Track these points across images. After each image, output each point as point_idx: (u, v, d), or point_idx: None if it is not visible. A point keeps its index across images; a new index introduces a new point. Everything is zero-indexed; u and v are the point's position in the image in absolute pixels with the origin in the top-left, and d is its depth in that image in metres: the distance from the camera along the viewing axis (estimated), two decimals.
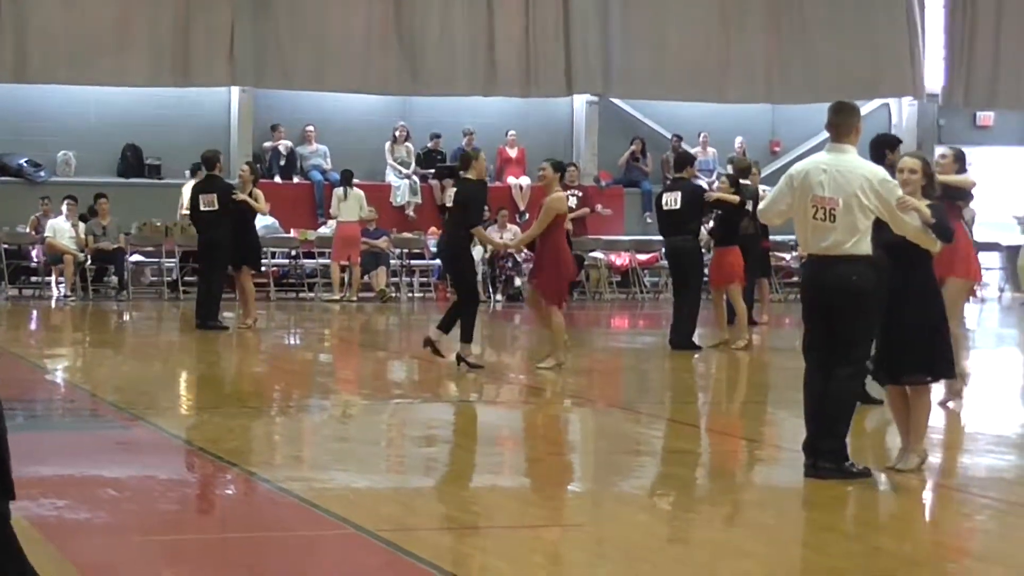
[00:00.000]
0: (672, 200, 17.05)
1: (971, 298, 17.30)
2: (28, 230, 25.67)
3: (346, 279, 25.75)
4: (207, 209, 19.01)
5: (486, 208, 24.97)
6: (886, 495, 8.78)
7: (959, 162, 12.00)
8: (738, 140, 29.34)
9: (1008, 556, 7.35)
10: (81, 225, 24.96)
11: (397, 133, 27.86)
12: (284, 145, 27.56)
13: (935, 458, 9.59)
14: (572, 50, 28.65)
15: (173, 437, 10.48)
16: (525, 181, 28.08)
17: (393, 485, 8.96)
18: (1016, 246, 26.65)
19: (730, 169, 26.69)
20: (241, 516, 8.22)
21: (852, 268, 8.76)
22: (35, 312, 23.29)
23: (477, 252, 24.48)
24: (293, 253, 26.75)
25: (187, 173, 25.21)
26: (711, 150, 29.13)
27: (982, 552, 7.51)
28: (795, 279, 24.97)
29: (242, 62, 27.08)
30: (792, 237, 17.66)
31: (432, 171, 27.81)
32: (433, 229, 26.90)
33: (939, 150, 15.89)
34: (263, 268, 22.84)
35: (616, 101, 29.57)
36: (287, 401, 13.32)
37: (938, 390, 11.39)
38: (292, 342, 20.17)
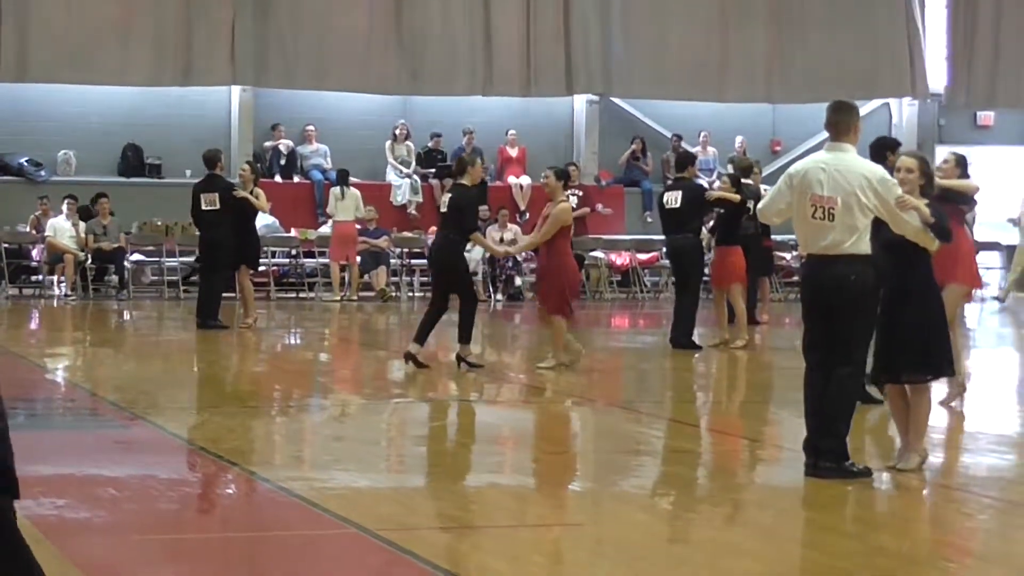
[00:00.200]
0: (673, 199, 17.06)
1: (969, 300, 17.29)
2: (28, 229, 25.67)
3: (346, 278, 25.75)
4: (208, 208, 19.01)
5: (487, 208, 25.10)
6: (886, 494, 8.78)
7: (961, 167, 11.99)
8: (738, 139, 29.34)
9: (1008, 555, 7.36)
10: (82, 224, 24.96)
11: (397, 132, 27.87)
12: (284, 144, 27.57)
13: (935, 457, 9.59)
14: (572, 50, 28.65)
15: (173, 436, 10.48)
16: (525, 181, 28.09)
17: (393, 484, 8.97)
18: (1015, 246, 26.67)
19: (731, 169, 26.72)
20: (241, 515, 8.22)
21: (851, 267, 8.76)
22: (35, 311, 23.29)
23: (477, 252, 24.53)
24: (293, 252, 26.75)
25: (187, 172, 25.21)
26: (711, 150, 29.14)
27: (982, 551, 7.51)
28: (795, 278, 24.96)
29: (243, 61, 27.08)
30: (792, 237, 17.67)
31: (432, 170, 27.81)
32: (434, 229, 26.82)
33: (940, 154, 15.90)
34: (262, 267, 22.83)
35: (616, 100, 29.57)
36: (287, 400, 13.32)
37: (939, 390, 11.39)
38: (292, 342, 20.17)
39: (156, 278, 26.24)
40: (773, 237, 21.35)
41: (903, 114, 30.91)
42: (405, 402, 13.10)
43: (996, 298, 26.56)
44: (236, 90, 27.53)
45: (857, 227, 8.77)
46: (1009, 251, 27.39)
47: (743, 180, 18.44)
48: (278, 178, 27.22)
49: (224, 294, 19.56)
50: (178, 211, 23.69)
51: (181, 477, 9.17)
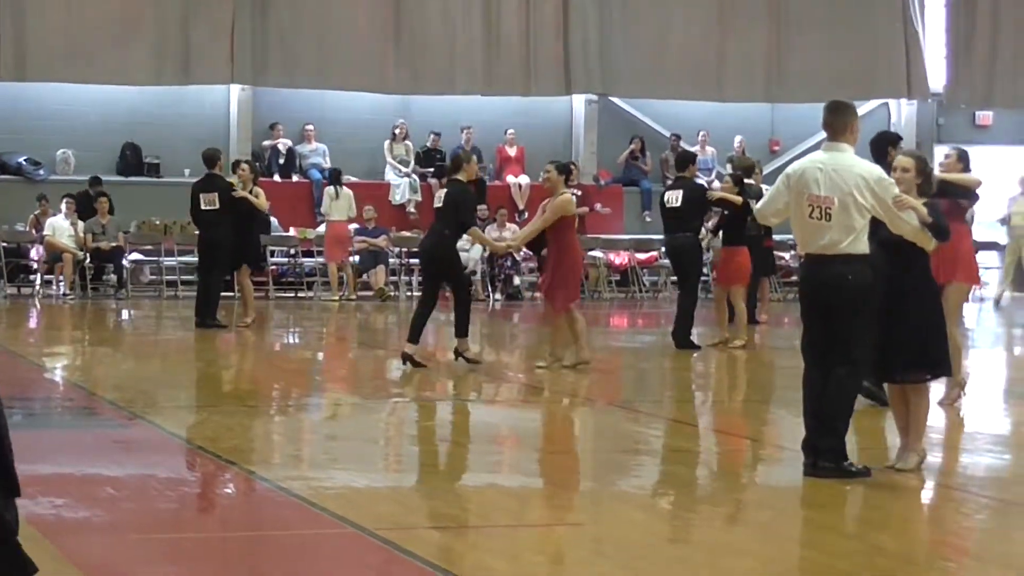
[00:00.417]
0: (674, 198, 17.06)
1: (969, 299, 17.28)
2: (27, 229, 25.66)
3: (344, 278, 25.76)
4: (208, 208, 19.01)
5: (485, 207, 25.10)
6: (885, 494, 8.77)
7: (963, 162, 11.97)
8: (737, 139, 29.35)
9: (1007, 555, 7.36)
10: (80, 224, 24.96)
11: (397, 131, 27.87)
12: (283, 144, 27.56)
13: (934, 457, 9.59)
14: (571, 49, 28.66)
15: (172, 436, 10.48)
16: (524, 180, 28.09)
17: (391, 484, 8.96)
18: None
19: (729, 168, 26.70)
20: (240, 515, 8.22)
21: (848, 267, 8.76)
22: (34, 311, 23.29)
23: (476, 251, 24.53)
24: (292, 252, 26.75)
25: (186, 171, 25.21)
26: (710, 149, 29.14)
27: (981, 551, 7.51)
28: (794, 278, 24.97)
29: (242, 60, 27.08)
30: (791, 236, 17.69)
31: (431, 170, 27.80)
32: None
33: (942, 149, 15.90)
34: (263, 267, 22.86)
35: (615, 100, 29.58)
36: (286, 400, 13.32)
37: (938, 390, 11.39)
38: (291, 341, 20.17)
39: (155, 277, 26.24)
40: (773, 237, 21.33)
41: (902, 114, 30.92)
42: (403, 401, 13.09)
43: (995, 300, 26.54)
44: (235, 89, 27.53)
45: (854, 227, 8.76)
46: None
47: (746, 180, 18.45)
48: (276, 177, 27.21)
49: (223, 293, 19.57)
50: (177, 210, 23.70)
51: (180, 476, 9.16)
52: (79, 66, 26.42)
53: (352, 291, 25.41)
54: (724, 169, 28.56)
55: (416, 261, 26.54)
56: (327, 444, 10.59)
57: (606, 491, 8.86)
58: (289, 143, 27.65)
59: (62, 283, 24.72)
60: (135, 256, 26.01)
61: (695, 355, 16.68)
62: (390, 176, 27.85)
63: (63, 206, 24.94)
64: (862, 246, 8.81)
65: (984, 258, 24.05)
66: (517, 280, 26.25)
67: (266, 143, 27.60)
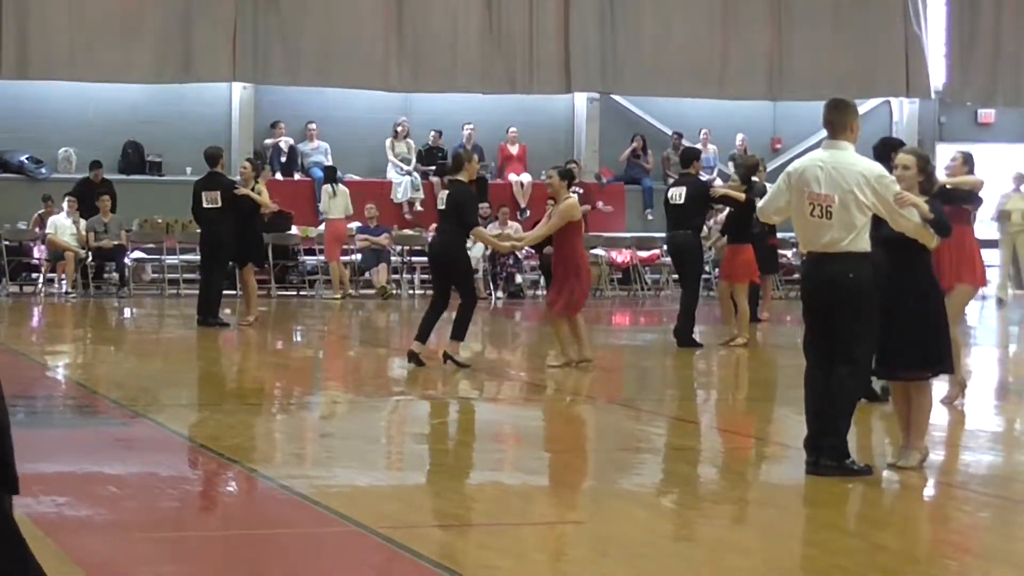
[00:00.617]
0: (677, 195, 17.06)
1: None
2: (30, 227, 25.65)
3: (348, 275, 25.78)
4: (210, 206, 19.02)
5: (487, 205, 25.09)
6: (887, 492, 8.78)
7: (968, 165, 11.94)
8: (739, 137, 29.35)
9: (1009, 553, 7.36)
10: (82, 222, 24.97)
11: (398, 129, 27.87)
12: (285, 142, 27.56)
13: (936, 455, 9.59)
14: (573, 47, 28.66)
15: (174, 434, 10.49)
16: (526, 178, 28.09)
17: (394, 482, 8.97)
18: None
19: (731, 166, 26.65)
20: (242, 513, 8.22)
21: (849, 265, 8.76)
22: (36, 309, 23.29)
23: (478, 249, 24.52)
24: (294, 250, 26.73)
25: (188, 169, 25.21)
26: (712, 147, 29.14)
27: (983, 549, 7.51)
28: (796, 276, 24.96)
29: (244, 58, 27.08)
30: (793, 234, 17.68)
31: (433, 168, 27.81)
32: (434, 226, 26.86)
33: (944, 148, 15.87)
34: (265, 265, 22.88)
35: (617, 98, 29.58)
36: (288, 398, 13.33)
37: (940, 389, 11.38)
38: (293, 339, 20.17)
39: (157, 276, 26.25)
40: (777, 235, 21.33)
41: (904, 112, 30.91)
42: (406, 400, 13.10)
43: (996, 299, 26.52)
44: (237, 87, 27.53)
45: (855, 225, 8.76)
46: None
47: (752, 178, 18.46)
48: (278, 175, 27.21)
49: (225, 292, 19.58)
50: (179, 208, 23.71)
51: (182, 475, 9.17)
52: (81, 64, 26.42)
53: (347, 288, 25.38)
54: (726, 167, 28.61)
55: (417, 259, 26.66)
56: (329, 442, 10.60)
57: (608, 489, 8.86)
58: (291, 141, 27.66)
59: (64, 281, 24.73)
60: (137, 254, 26.01)
61: (697, 353, 16.67)
62: (392, 174, 27.86)
63: (65, 204, 24.95)
64: (863, 244, 8.80)
65: (987, 256, 24.02)
66: (519, 278, 26.25)
67: (268, 141, 27.60)
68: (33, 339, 18.92)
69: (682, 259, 17.45)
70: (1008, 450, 10.88)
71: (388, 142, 27.86)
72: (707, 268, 23.59)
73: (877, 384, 11.37)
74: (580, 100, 29.44)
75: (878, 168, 9.00)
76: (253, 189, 19.26)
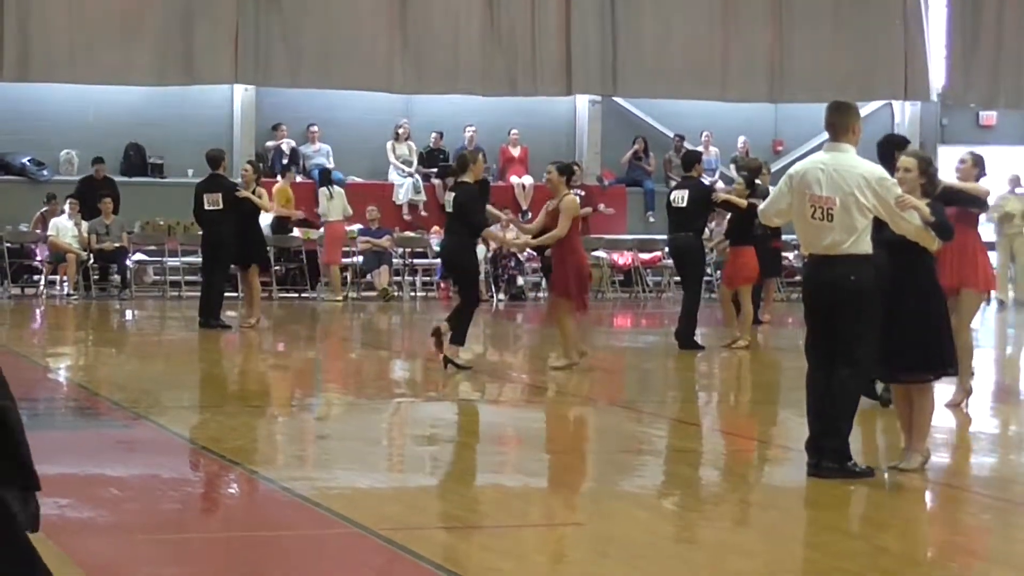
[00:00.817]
0: (679, 198, 17.07)
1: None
2: (31, 227, 25.63)
3: (349, 277, 25.77)
4: (211, 208, 19.03)
5: (490, 206, 25.08)
6: (889, 494, 8.78)
7: (979, 167, 11.88)
8: (741, 139, 29.36)
9: (1011, 555, 7.36)
10: (84, 224, 24.98)
11: (399, 131, 27.87)
12: (287, 144, 27.56)
13: (938, 457, 9.59)
14: (574, 49, 28.66)
15: (176, 436, 10.49)
16: (528, 180, 28.10)
17: (395, 484, 8.97)
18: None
19: (733, 169, 26.64)
20: (244, 515, 8.22)
21: (851, 268, 8.77)
22: (38, 311, 23.30)
23: (480, 251, 24.52)
24: (296, 252, 26.72)
25: (190, 172, 25.22)
26: (714, 149, 29.13)
27: (985, 551, 7.51)
28: (797, 278, 24.96)
29: (246, 60, 27.08)
30: (795, 237, 17.68)
31: (435, 170, 27.81)
32: (436, 228, 26.90)
33: (943, 154, 15.83)
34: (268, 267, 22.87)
35: (618, 100, 29.58)
36: (289, 400, 13.33)
37: (945, 392, 11.38)
38: (294, 341, 20.16)
39: (158, 278, 26.25)
40: (782, 238, 21.29)
41: (905, 114, 30.91)
42: (407, 402, 13.10)
43: (999, 301, 26.53)
44: (238, 89, 27.53)
45: (856, 227, 8.76)
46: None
47: (756, 181, 18.47)
48: (280, 178, 27.19)
49: (228, 294, 19.58)
50: (180, 210, 23.70)
51: (183, 477, 9.18)
52: (82, 67, 26.42)
53: (337, 292, 25.33)
54: (728, 170, 28.62)
55: (419, 261, 26.68)
56: (331, 444, 10.60)
57: (609, 491, 8.86)
58: (292, 143, 27.65)
59: (66, 283, 24.73)
60: (139, 256, 26.01)
61: (698, 355, 16.67)
62: (393, 176, 27.86)
63: (66, 206, 24.95)
64: (865, 246, 8.81)
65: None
66: (521, 280, 26.25)
67: (269, 143, 27.60)
68: (35, 341, 18.92)
69: (684, 261, 17.46)
70: (1009, 452, 10.88)
71: (389, 144, 27.86)
72: (709, 270, 23.59)
73: (878, 387, 11.37)
74: (581, 102, 29.45)
75: (879, 170, 9.01)
76: (254, 192, 19.27)
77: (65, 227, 24.79)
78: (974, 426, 11.78)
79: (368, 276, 26.11)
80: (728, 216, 18.05)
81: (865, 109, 28.52)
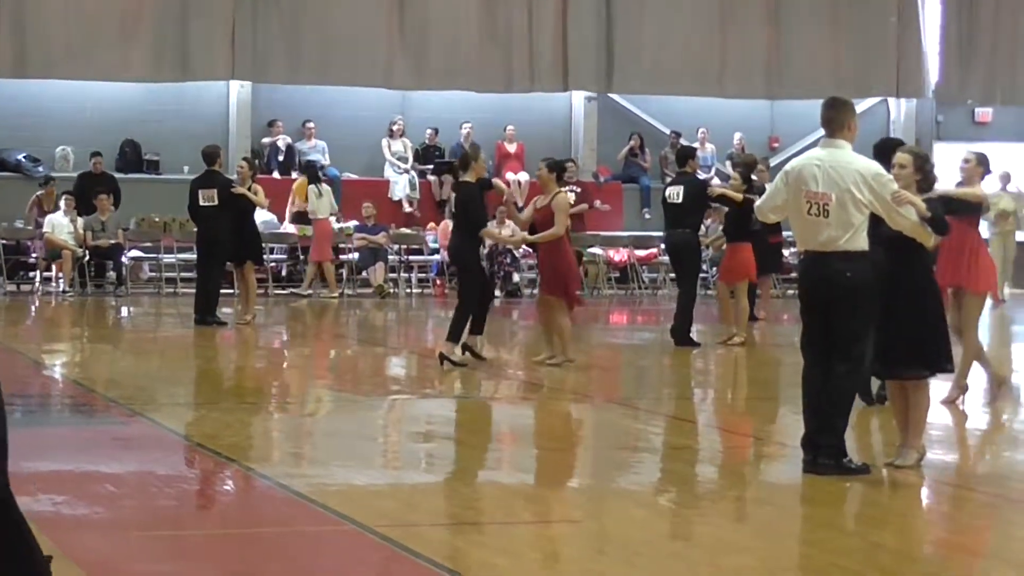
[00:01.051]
0: (675, 194, 17.06)
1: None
2: (28, 211, 25.55)
3: (345, 274, 25.76)
4: (207, 204, 19.02)
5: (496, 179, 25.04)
6: (884, 491, 8.78)
7: (983, 166, 11.84)
8: (737, 136, 29.35)
9: (1007, 552, 7.36)
10: (80, 220, 24.96)
11: (394, 128, 27.84)
12: (283, 140, 27.54)
13: (933, 454, 9.59)
14: (571, 45, 28.65)
15: (171, 433, 10.48)
16: (524, 177, 28.07)
17: (392, 481, 8.96)
18: (1020, 242, 26.65)
19: (729, 165, 26.62)
20: (240, 512, 8.22)
21: (847, 264, 8.77)
22: (33, 307, 23.28)
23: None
24: (292, 249, 26.71)
25: (185, 168, 25.18)
26: (710, 146, 29.13)
27: (981, 548, 7.51)
28: (793, 275, 24.97)
29: (243, 56, 27.05)
30: (790, 233, 17.70)
31: (430, 166, 27.80)
32: (432, 225, 26.91)
33: (938, 149, 15.81)
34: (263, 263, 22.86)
35: (614, 96, 29.57)
36: (286, 397, 13.33)
37: (940, 389, 11.38)
38: (290, 338, 20.16)
39: (154, 274, 26.23)
40: (783, 234, 21.26)
41: (901, 110, 30.90)
42: (403, 398, 13.10)
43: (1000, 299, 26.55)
44: (234, 85, 27.50)
45: (852, 223, 8.76)
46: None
47: (752, 177, 18.47)
48: (276, 174, 27.19)
49: (223, 290, 19.57)
50: (176, 207, 23.67)
51: (179, 473, 9.17)
52: (78, 63, 26.39)
53: (308, 284, 25.28)
54: (724, 166, 28.61)
55: (415, 258, 26.67)
56: (327, 441, 10.60)
57: (605, 488, 8.87)
58: (288, 140, 27.63)
59: (61, 280, 24.71)
60: (134, 253, 25.99)
61: (694, 352, 16.67)
62: (389, 173, 27.84)
63: (62, 203, 24.92)
64: (861, 243, 8.81)
65: None
66: (517, 277, 26.25)
67: (265, 140, 27.57)
68: (30, 338, 18.91)
69: (680, 258, 17.44)
70: (1005, 449, 10.88)
71: (384, 141, 27.83)
72: (705, 267, 23.59)
73: (874, 385, 11.37)
74: (577, 99, 29.43)
75: (875, 166, 9.01)
76: (249, 188, 19.26)
77: (61, 224, 24.76)
78: (970, 423, 11.79)
79: (364, 273, 26.09)
80: (726, 212, 18.04)
81: (861, 106, 28.49)
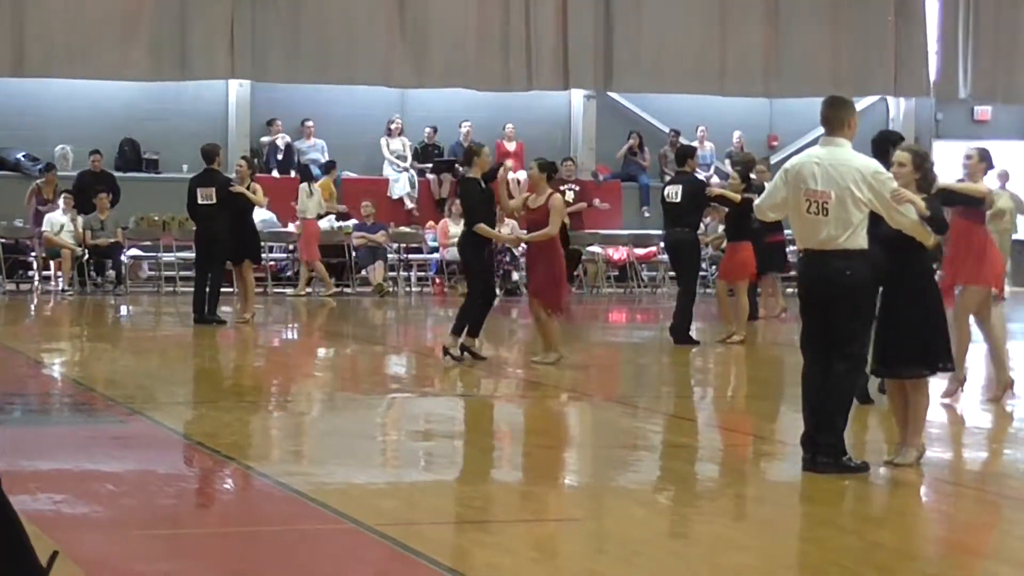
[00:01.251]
0: (674, 193, 17.06)
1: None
2: (26, 201, 25.51)
3: (341, 274, 25.77)
4: (205, 203, 19.01)
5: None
6: (884, 489, 8.78)
7: (986, 161, 11.85)
8: (736, 134, 29.34)
9: (1006, 550, 7.36)
10: (79, 219, 24.95)
11: (392, 127, 27.83)
12: (282, 139, 27.54)
13: (933, 452, 9.59)
14: (570, 44, 28.64)
15: (171, 431, 10.48)
16: (523, 175, 28.05)
17: (392, 479, 8.97)
18: (1020, 241, 26.64)
19: (729, 164, 26.62)
20: (239, 511, 8.22)
21: (846, 263, 8.77)
22: (32, 306, 23.27)
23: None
24: (290, 248, 26.70)
25: (184, 167, 25.18)
26: (709, 144, 29.12)
27: (979, 546, 7.51)
28: (792, 273, 24.96)
29: (242, 55, 27.04)
30: (790, 232, 17.71)
31: (430, 165, 27.80)
32: (431, 223, 26.90)
33: (937, 147, 15.80)
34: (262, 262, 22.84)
35: (613, 95, 29.56)
36: (285, 395, 13.33)
37: (939, 385, 11.39)
38: (289, 336, 20.16)
39: (153, 273, 26.22)
40: (785, 232, 21.23)
41: (900, 109, 30.89)
42: (403, 397, 13.10)
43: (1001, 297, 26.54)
44: (233, 84, 27.49)
45: (851, 222, 8.76)
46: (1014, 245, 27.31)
47: (751, 176, 18.47)
48: (275, 173, 27.19)
49: (221, 289, 19.56)
50: (175, 206, 23.67)
51: (179, 472, 9.17)
52: (77, 62, 26.38)
53: (304, 287, 25.23)
54: (723, 165, 28.61)
55: (414, 257, 26.67)
56: (326, 440, 10.59)
57: (604, 486, 8.87)
58: (288, 139, 27.63)
59: (61, 279, 24.71)
60: (133, 252, 25.99)
61: (693, 351, 16.67)
62: (388, 171, 27.83)
63: (61, 202, 24.91)
64: (860, 241, 8.80)
65: None
66: (515, 276, 26.24)
67: (265, 139, 27.57)
68: (30, 337, 18.90)
69: (679, 256, 17.44)
70: (1004, 447, 10.88)
71: (383, 141, 27.82)
72: (704, 265, 23.58)
73: (873, 383, 11.37)
74: (576, 97, 29.42)
75: (875, 165, 9.01)
76: (248, 187, 19.25)
77: (60, 223, 24.76)
78: (969, 421, 11.79)
79: (363, 271, 26.08)
80: (726, 212, 18.04)
81: (860, 104, 28.46)
